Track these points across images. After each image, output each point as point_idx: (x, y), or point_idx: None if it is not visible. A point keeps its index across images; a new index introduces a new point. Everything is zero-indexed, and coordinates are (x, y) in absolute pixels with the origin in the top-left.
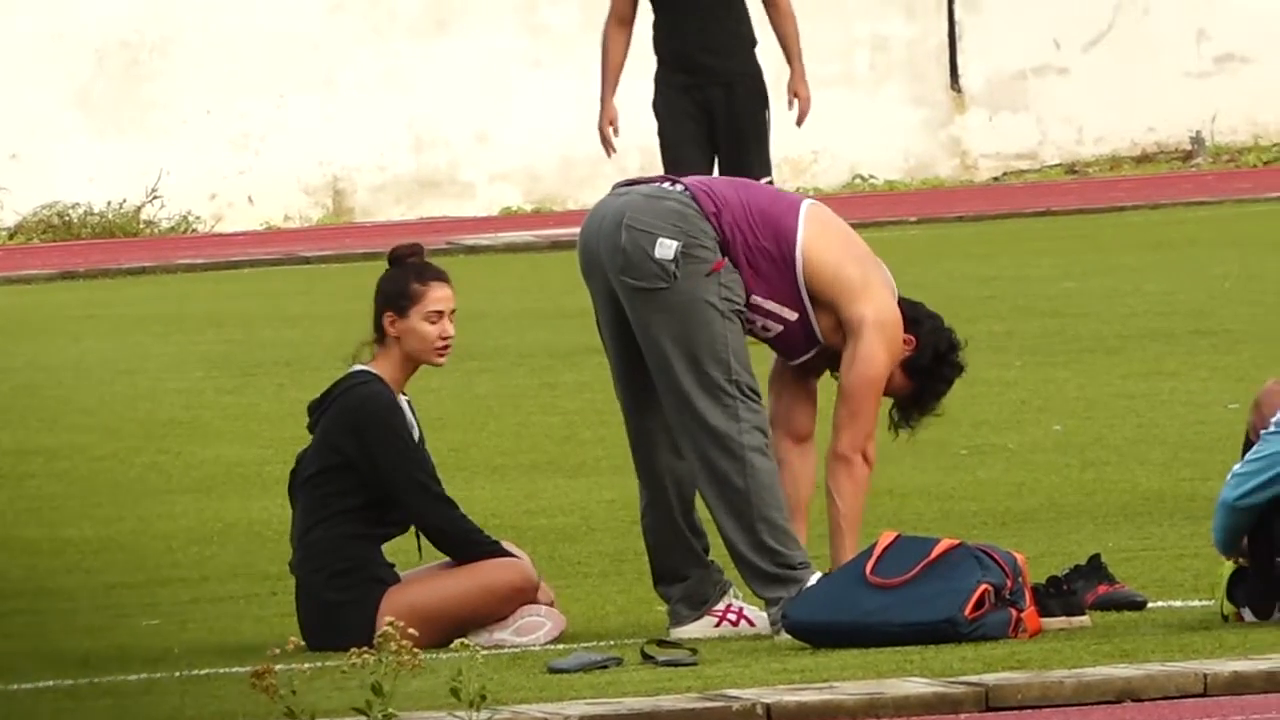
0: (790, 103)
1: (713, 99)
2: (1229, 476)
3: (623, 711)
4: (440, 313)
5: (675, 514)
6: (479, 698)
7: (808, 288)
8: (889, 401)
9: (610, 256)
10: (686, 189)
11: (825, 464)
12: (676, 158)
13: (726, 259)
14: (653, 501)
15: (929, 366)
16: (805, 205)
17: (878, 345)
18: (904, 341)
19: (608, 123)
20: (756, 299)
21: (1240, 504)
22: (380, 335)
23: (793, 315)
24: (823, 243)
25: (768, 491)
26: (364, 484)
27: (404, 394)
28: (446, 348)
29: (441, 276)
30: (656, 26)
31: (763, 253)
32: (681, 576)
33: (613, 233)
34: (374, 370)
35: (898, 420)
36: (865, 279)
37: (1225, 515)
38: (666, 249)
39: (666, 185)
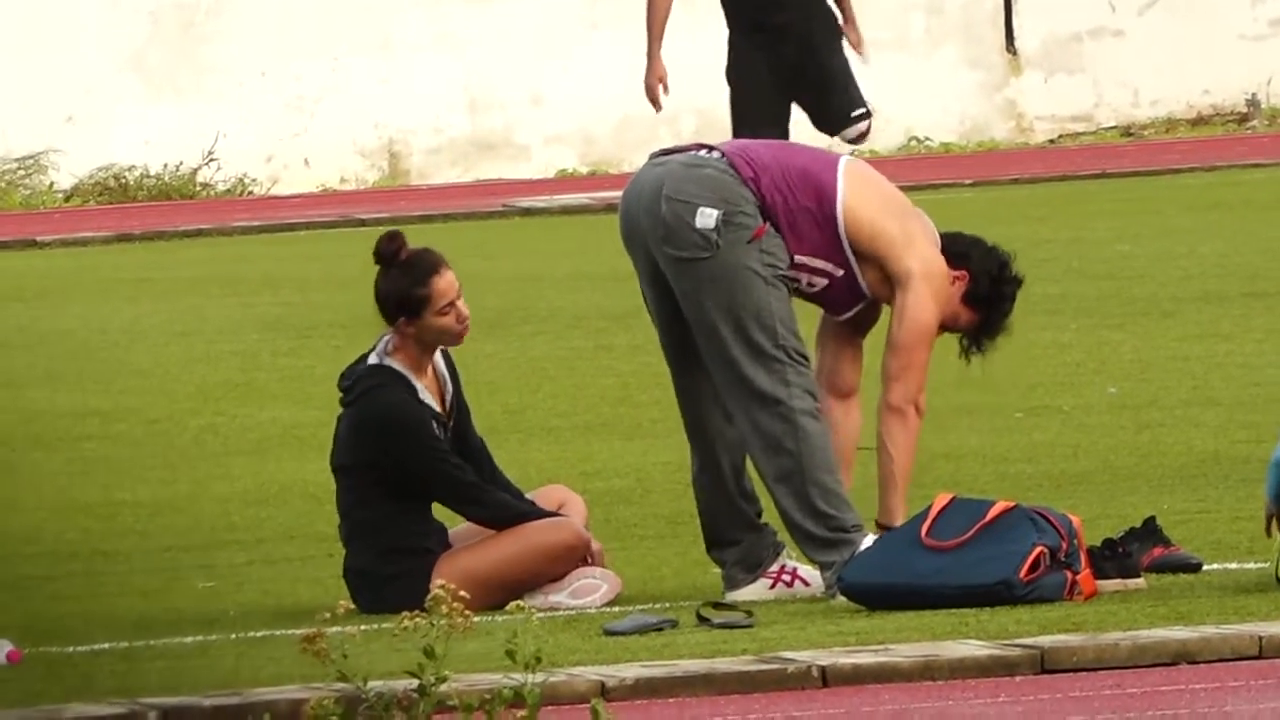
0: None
1: (786, 53)
2: None
3: (678, 674)
4: (450, 303)
5: (726, 479)
6: (534, 660)
7: (850, 243)
8: (953, 339)
9: (651, 228)
10: (724, 155)
11: (878, 416)
12: (753, 121)
13: (768, 224)
14: (704, 466)
15: (988, 293)
16: (843, 162)
17: (926, 296)
18: (955, 279)
19: (656, 79)
20: (800, 258)
21: None
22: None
23: (838, 271)
24: (863, 198)
25: (820, 454)
26: (395, 477)
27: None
28: (466, 327)
29: (436, 266)
30: None
31: (804, 212)
32: (735, 541)
33: (652, 204)
34: (395, 364)
35: (968, 347)
36: (907, 232)
37: (1277, 473)
38: (708, 218)
39: (703, 153)
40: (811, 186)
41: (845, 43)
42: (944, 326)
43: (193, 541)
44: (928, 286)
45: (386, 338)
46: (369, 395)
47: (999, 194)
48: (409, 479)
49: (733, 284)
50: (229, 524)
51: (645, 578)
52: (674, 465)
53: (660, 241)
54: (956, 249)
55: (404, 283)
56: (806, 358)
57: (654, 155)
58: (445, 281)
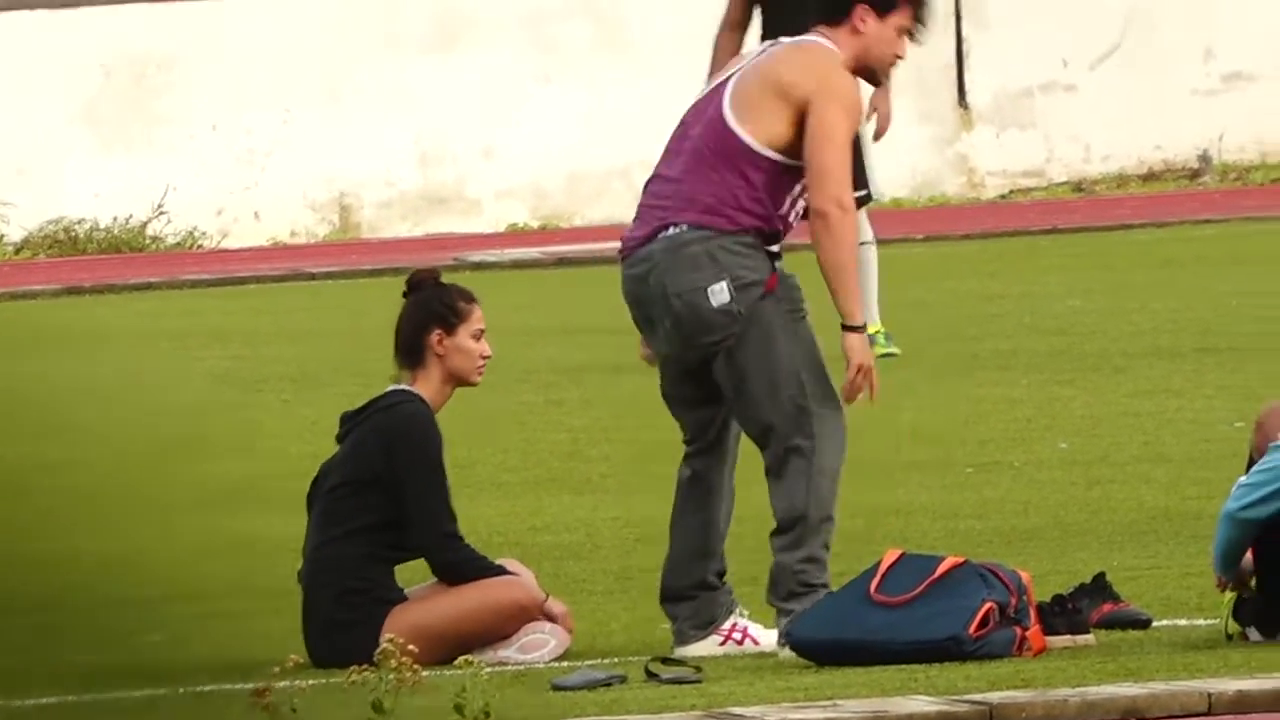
0: (869, 116)
1: None
2: (1233, 488)
3: None
4: (482, 330)
5: (709, 536)
6: (483, 715)
7: (791, 153)
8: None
9: (675, 331)
10: (690, 224)
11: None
12: None
13: (776, 269)
14: (689, 518)
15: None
16: (725, 104)
17: (832, 112)
18: (855, 29)
19: None
20: (784, 207)
21: (1242, 515)
22: (417, 358)
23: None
24: (760, 116)
25: (824, 511)
26: (385, 502)
27: None
28: (485, 365)
29: (478, 299)
30: (764, 32)
31: (756, 191)
32: (690, 597)
33: (664, 312)
34: (416, 390)
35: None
36: (800, 91)
37: (1226, 527)
38: (721, 294)
39: (671, 231)
40: (735, 163)
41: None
42: (897, 59)
43: (141, 595)
44: (832, 101)
45: (402, 385)
46: (394, 408)
47: (950, 249)
48: (400, 499)
49: (759, 345)
50: (177, 577)
51: (594, 633)
52: (623, 521)
53: (690, 339)
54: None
55: (447, 295)
56: (835, 396)
57: (622, 255)
58: (480, 312)
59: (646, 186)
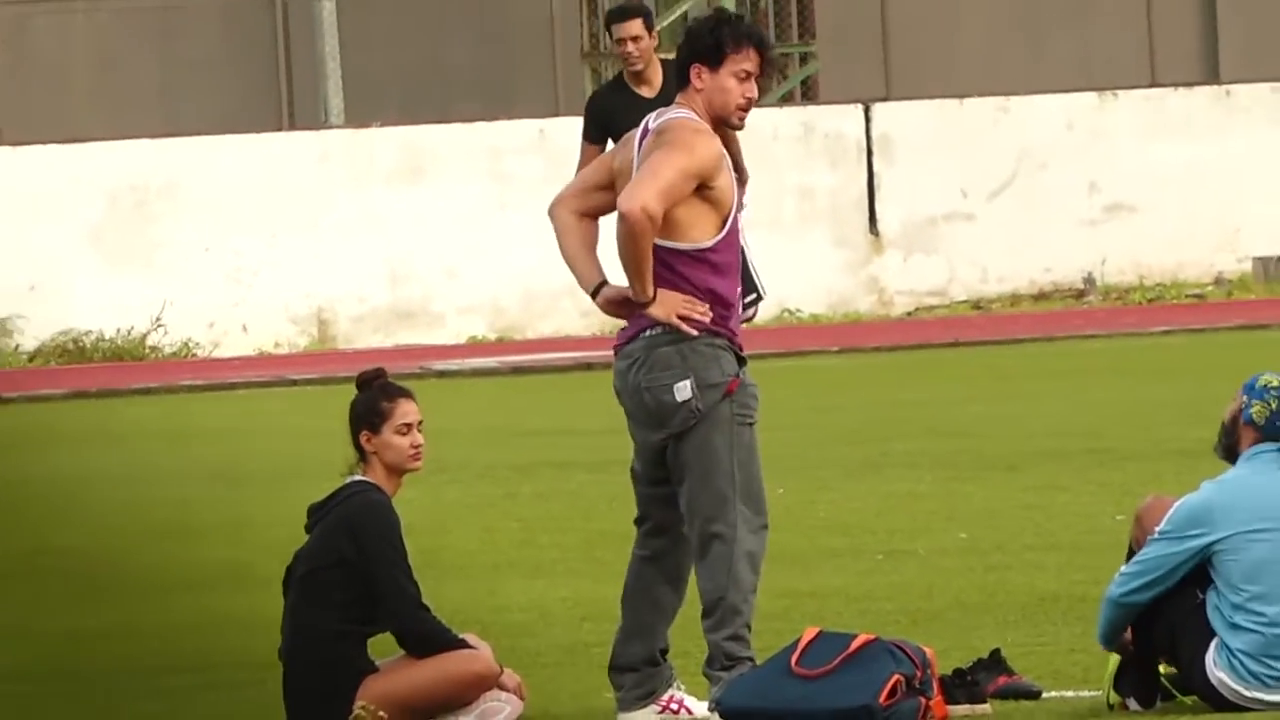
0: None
1: None
2: (1115, 575)
3: None
4: (409, 425)
5: (659, 613)
6: None
7: (673, 239)
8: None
9: (645, 419)
10: (660, 329)
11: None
12: None
13: (739, 374)
14: (641, 595)
15: (711, 44)
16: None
17: (661, 150)
18: (695, 88)
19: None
20: (718, 284)
21: (1123, 600)
22: (361, 454)
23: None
24: (648, 205)
25: (744, 591)
26: (353, 583)
27: None
28: (419, 454)
29: (406, 394)
30: None
31: (696, 289)
32: (635, 669)
33: (637, 402)
34: (371, 480)
35: (770, 74)
36: (653, 169)
37: (1109, 609)
38: (684, 391)
39: (648, 331)
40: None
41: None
42: (746, 101)
43: (139, 667)
44: (656, 144)
45: (356, 475)
46: (353, 498)
47: (863, 360)
48: (367, 582)
49: (705, 438)
50: (172, 651)
51: (546, 702)
52: (571, 601)
53: (660, 427)
54: (679, 66)
55: (372, 399)
56: (760, 499)
57: (614, 351)
58: (408, 406)
59: None
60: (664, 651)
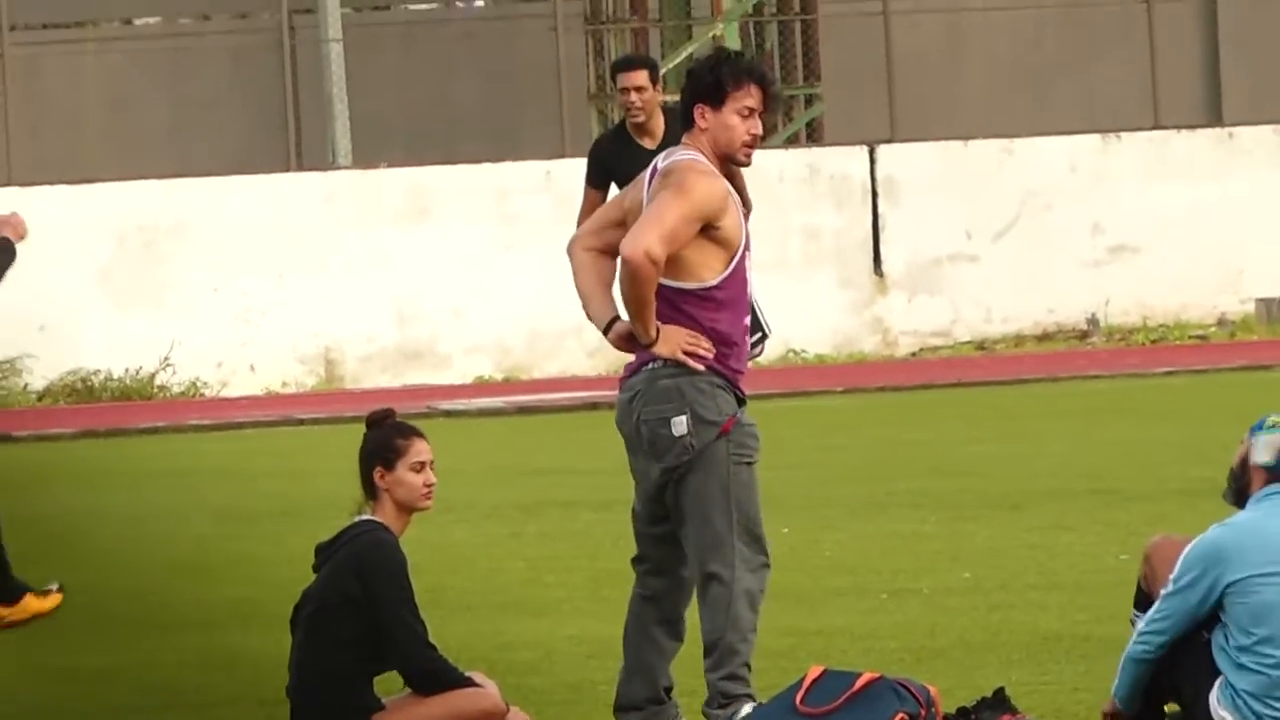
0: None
1: None
2: (1135, 635)
3: None
4: (423, 463)
5: (662, 650)
6: None
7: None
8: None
9: (647, 454)
10: (662, 362)
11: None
12: None
13: (736, 414)
14: (645, 632)
15: (711, 83)
16: (629, 257)
17: (666, 193)
18: (700, 127)
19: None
20: (736, 344)
21: (1146, 659)
22: (372, 491)
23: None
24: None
25: (743, 630)
26: (360, 621)
27: None
28: (430, 493)
29: (420, 433)
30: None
31: (700, 325)
32: (640, 708)
33: (636, 434)
34: (379, 519)
35: (776, 110)
36: (657, 214)
37: (1132, 669)
38: (680, 425)
39: (652, 365)
40: (670, 300)
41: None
42: (751, 138)
43: (148, 704)
44: (661, 188)
45: (364, 514)
46: (361, 537)
47: (867, 400)
48: (374, 622)
49: (704, 479)
50: (181, 688)
51: None
52: (576, 639)
53: (656, 460)
54: (683, 107)
55: (386, 436)
56: (760, 541)
57: (620, 383)
58: (421, 445)
59: None
60: (668, 690)
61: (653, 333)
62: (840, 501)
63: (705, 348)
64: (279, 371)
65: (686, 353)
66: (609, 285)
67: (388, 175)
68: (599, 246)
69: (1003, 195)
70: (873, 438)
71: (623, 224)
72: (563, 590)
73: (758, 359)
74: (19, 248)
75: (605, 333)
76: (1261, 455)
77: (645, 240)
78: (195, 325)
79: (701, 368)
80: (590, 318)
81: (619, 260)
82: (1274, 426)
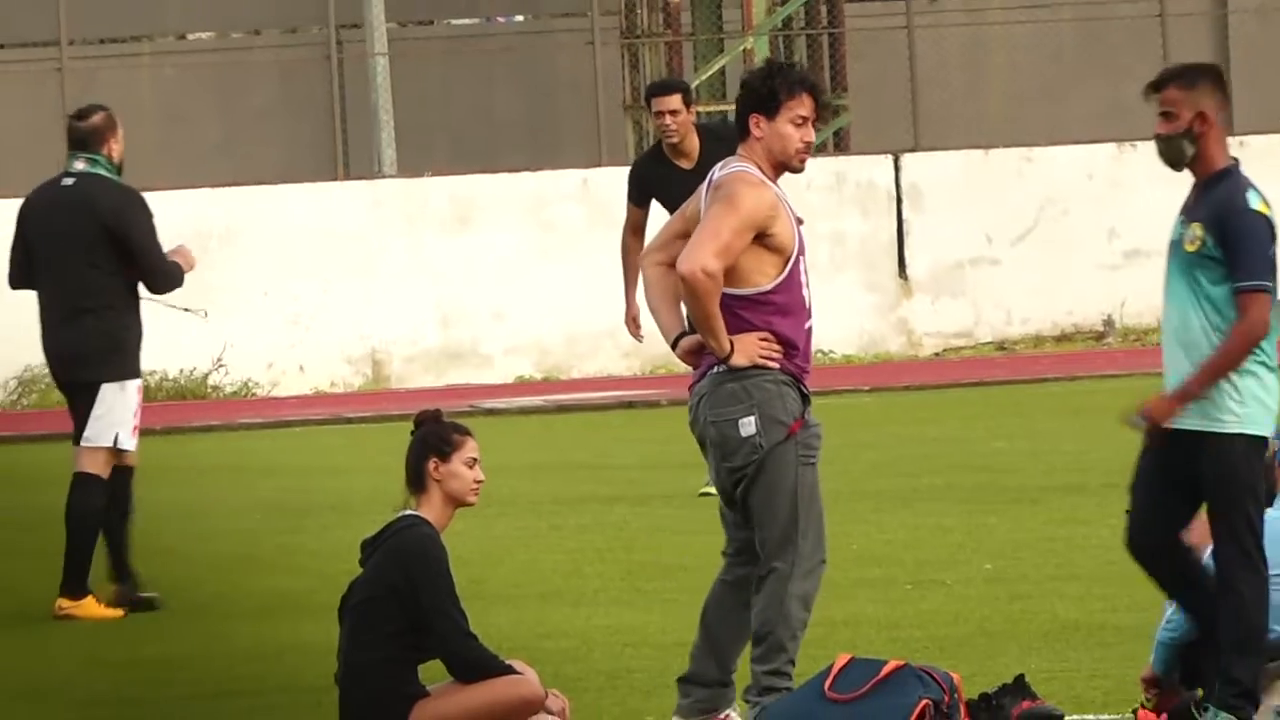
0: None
1: None
2: (1164, 621)
3: None
4: (474, 459)
5: (737, 635)
6: None
7: (756, 283)
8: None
9: (712, 453)
10: (725, 365)
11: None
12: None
13: (804, 414)
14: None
15: (766, 92)
16: (690, 270)
17: (716, 206)
18: (755, 137)
19: (630, 318)
20: (799, 346)
21: (1175, 642)
22: (421, 484)
23: (778, 295)
24: (715, 261)
25: (791, 636)
26: (404, 612)
27: None
28: (479, 489)
29: (471, 433)
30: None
31: (758, 329)
32: (707, 685)
33: (706, 435)
34: (422, 514)
35: (826, 114)
36: (705, 234)
37: (1164, 652)
38: (749, 426)
39: (717, 369)
40: (729, 307)
41: None
42: (805, 145)
43: (203, 691)
44: (712, 201)
45: (408, 509)
46: (405, 531)
47: (892, 399)
48: (418, 613)
49: (771, 480)
50: (234, 676)
51: None
52: (613, 629)
53: (723, 460)
54: (738, 117)
55: (443, 429)
56: (820, 539)
57: (690, 386)
58: (473, 443)
59: None
60: (732, 673)
61: (726, 346)
62: (867, 496)
63: (776, 349)
64: (327, 372)
65: (763, 356)
66: (677, 300)
67: (431, 184)
68: (666, 261)
69: (1022, 202)
70: (898, 435)
71: (687, 235)
72: (600, 581)
73: None
74: (185, 276)
75: (673, 347)
76: None
77: (700, 257)
78: (247, 328)
79: (776, 366)
80: (661, 332)
81: (679, 278)
82: None
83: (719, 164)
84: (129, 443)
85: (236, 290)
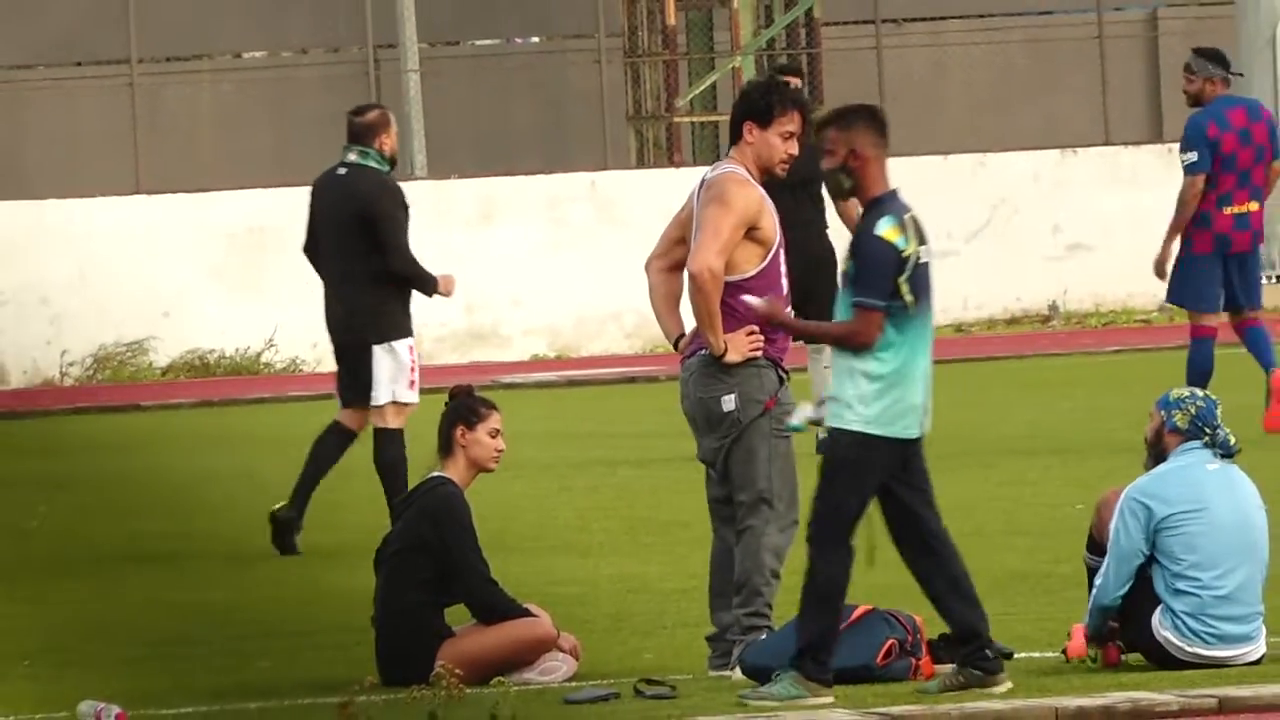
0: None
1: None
2: (1096, 585)
3: None
4: (497, 430)
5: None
6: None
7: (741, 271)
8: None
9: (702, 426)
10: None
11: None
12: None
13: (777, 393)
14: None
15: (763, 103)
16: (697, 270)
17: (711, 207)
18: (747, 142)
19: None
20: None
21: (1111, 605)
22: (449, 449)
23: (761, 264)
24: (713, 258)
25: (765, 583)
26: (433, 562)
27: None
28: (499, 458)
29: (497, 407)
30: None
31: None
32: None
33: (692, 408)
34: (447, 475)
35: (813, 129)
36: (705, 233)
37: (1099, 616)
38: (729, 403)
39: (704, 350)
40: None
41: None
42: (788, 156)
43: (254, 631)
44: (705, 202)
45: (436, 471)
46: (433, 490)
47: None
48: (445, 563)
49: (748, 450)
50: (284, 618)
51: (595, 661)
52: (616, 577)
53: (708, 433)
54: (733, 121)
55: (471, 401)
56: (793, 503)
57: (681, 362)
58: (498, 416)
59: None
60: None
61: (721, 346)
62: None
63: (760, 340)
64: None
65: (751, 350)
66: (677, 303)
67: (457, 185)
68: (667, 265)
69: (977, 201)
70: None
71: (683, 240)
72: (605, 535)
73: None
74: (440, 299)
75: (674, 347)
76: (1178, 423)
77: (706, 257)
78: (295, 311)
79: (761, 355)
80: (663, 332)
81: (685, 276)
82: (1180, 398)
83: (710, 167)
84: (407, 395)
85: (285, 278)
